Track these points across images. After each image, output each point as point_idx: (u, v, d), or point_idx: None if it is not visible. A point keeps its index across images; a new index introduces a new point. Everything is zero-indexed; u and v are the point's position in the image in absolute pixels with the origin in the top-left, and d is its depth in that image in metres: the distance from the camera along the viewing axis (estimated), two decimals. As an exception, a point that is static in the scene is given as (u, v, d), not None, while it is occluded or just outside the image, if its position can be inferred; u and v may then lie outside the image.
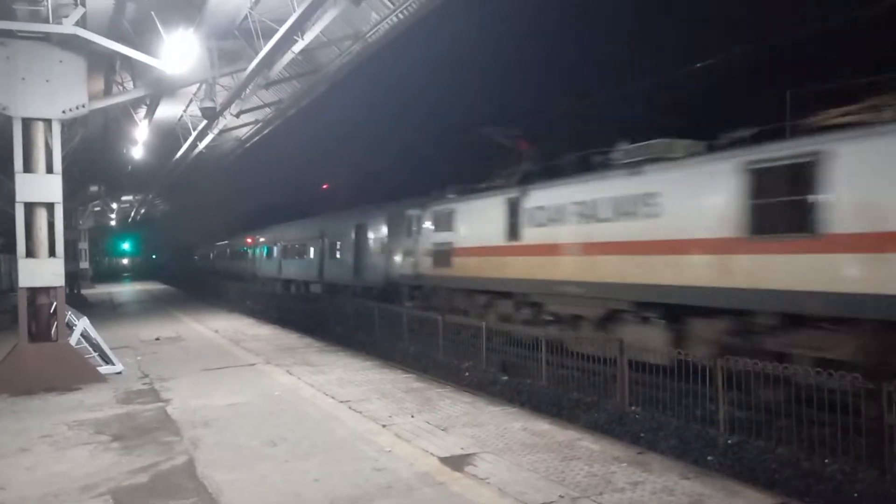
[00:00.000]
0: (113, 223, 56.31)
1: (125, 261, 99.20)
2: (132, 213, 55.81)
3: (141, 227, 76.37)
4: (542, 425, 8.33)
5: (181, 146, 23.60)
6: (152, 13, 11.38)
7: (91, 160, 25.42)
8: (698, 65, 16.73)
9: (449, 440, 7.75)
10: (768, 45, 15.83)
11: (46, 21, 11.28)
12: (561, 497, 5.79)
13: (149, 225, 72.34)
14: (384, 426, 8.47)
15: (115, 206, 46.28)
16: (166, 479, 6.86)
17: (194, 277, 54.78)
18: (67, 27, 11.22)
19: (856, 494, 6.96)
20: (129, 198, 44.90)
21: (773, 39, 15.61)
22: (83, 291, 37.52)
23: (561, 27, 31.71)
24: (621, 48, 28.04)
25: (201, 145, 22.81)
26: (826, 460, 7.78)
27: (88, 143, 20.95)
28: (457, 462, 6.91)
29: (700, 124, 14.11)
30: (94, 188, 33.83)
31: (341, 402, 9.92)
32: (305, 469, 6.92)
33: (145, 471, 7.10)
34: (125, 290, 46.86)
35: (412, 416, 8.92)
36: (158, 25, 11.43)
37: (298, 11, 10.96)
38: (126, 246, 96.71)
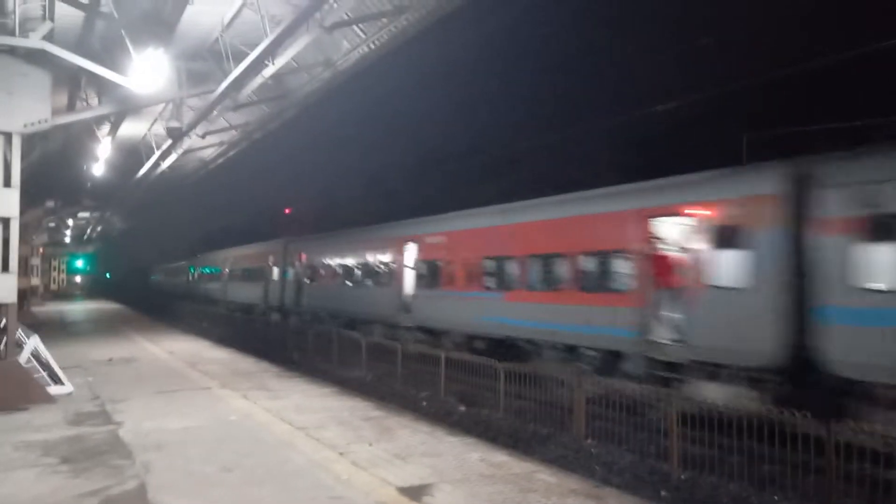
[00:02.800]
0: (67, 240, 55.09)
1: (77, 279, 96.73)
2: (88, 231, 54.74)
3: (96, 245, 74.77)
4: (500, 457, 8.36)
5: (143, 165, 23.33)
6: (122, 31, 11.33)
7: (49, 175, 24.94)
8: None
9: (407, 470, 7.72)
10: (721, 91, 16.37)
11: (13, 34, 11.15)
12: (517, 529, 5.82)
13: (105, 243, 70.91)
14: (341, 454, 8.41)
15: (70, 222, 45.30)
16: (116, 504, 6.72)
17: (150, 298, 54.06)
18: (34, 41, 11.11)
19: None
20: (86, 215, 44.01)
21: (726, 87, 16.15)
22: (33, 309, 36.51)
23: (528, 62, 32.38)
24: (587, 87, 28.78)
25: (164, 164, 22.57)
26: (776, 497, 7.96)
27: (47, 157, 20.58)
28: (415, 492, 6.89)
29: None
30: (50, 203, 33.10)
31: (298, 428, 9.82)
32: (259, 497, 6.83)
33: (94, 495, 6.93)
34: (77, 309, 45.70)
35: (370, 445, 8.87)
36: (128, 43, 11.38)
37: (271, 37, 11.03)
38: (80, 263, 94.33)
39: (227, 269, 39.80)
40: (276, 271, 31.19)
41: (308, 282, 27.94)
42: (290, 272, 29.48)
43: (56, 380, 13.00)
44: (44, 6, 11.20)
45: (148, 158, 22.51)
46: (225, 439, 9.23)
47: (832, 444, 7.32)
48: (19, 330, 13.13)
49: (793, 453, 8.00)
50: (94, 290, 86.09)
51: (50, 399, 11.91)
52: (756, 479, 8.30)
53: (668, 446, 9.16)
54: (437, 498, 6.72)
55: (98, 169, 21.54)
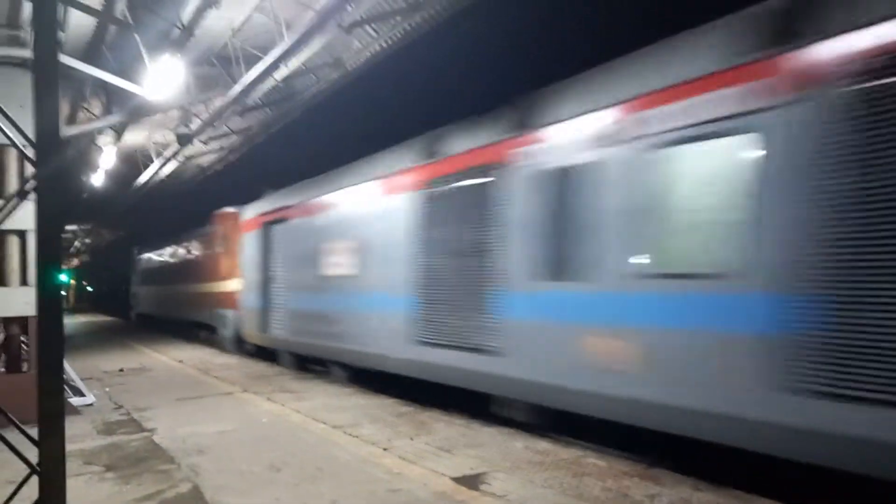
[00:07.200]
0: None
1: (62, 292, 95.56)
2: (75, 243, 54.27)
3: (83, 258, 74.06)
4: (543, 444, 8.47)
5: (140, 173, 23.21)
6: (135, 36, 11.30)
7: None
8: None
9: (455, 461, 7.81)
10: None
11: (25, 45, 11.09)
12: (585, 511, 5.94)
13: (92, 255, 70.29)
14: (385, 449, 8.48)
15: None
16: (177, 506, 6.76)
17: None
18: (48, 52, 11.02)
19: None
20: (74, 227, 43.59)
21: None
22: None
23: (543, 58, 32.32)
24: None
25: (163, 173, 22.47)
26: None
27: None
28: (471, 481, 6.98)
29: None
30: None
31: (334, 427, 9.88)
32: (319, 492, 6.89)
33: (152, 499, 6.96)
34: (68, 322, 45.28)
35: (411, 439, 8.95)
36: (143, 51, 11.35)
37: (290, 41, 11.02)
38: (63, 277, 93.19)
39: (133, 275, 42.50)
40: (132, 277, 36.33)
41: (138, 286, 33.53)
42: (133, 277, 34.94)
43: (76, 391, 12.96)
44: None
45: (146, 167, 22.38)
46: (264, 440, 9.28)
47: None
48: (36, 342, 13.07)
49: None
50: (79, 303, 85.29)
51: (74, 411, 11.87)
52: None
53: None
54: (494, 486, 6.82)
55: (98, 179, 21.39)
